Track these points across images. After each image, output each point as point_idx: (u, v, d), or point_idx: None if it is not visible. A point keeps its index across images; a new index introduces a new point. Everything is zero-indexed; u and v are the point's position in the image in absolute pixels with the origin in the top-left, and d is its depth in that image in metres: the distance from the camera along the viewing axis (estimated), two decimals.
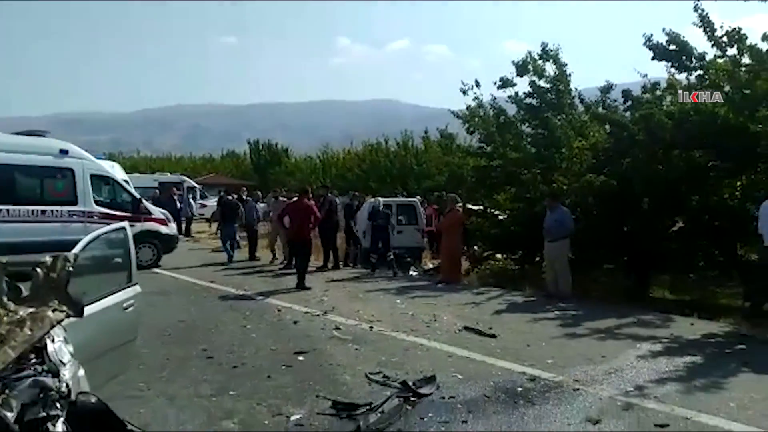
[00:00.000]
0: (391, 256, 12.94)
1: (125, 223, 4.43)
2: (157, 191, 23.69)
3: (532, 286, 10.23)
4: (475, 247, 13.06)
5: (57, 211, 11.01)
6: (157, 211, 13.04)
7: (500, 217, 12.83)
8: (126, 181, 17.50)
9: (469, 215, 13.18)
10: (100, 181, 12.01)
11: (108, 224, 11.42)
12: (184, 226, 21.31)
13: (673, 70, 10.29)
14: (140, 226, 12.24)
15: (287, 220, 11.29)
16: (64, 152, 11.19)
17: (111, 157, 52.35)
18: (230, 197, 14.95)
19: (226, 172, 44.75)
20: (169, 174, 33.93)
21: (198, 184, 33.86)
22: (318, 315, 7.75)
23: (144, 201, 12.56)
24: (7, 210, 10.26)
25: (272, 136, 49.75)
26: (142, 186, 30.47)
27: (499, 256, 13.27)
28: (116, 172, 17.47)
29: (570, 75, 12.60)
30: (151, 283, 10.55)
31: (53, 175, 11.17)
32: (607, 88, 12.34)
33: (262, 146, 43.59)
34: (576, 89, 12.78)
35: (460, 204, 11.67)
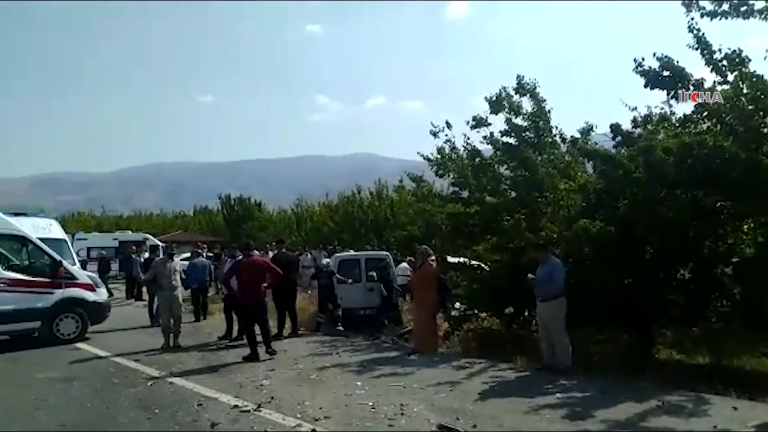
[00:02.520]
0: (339, 312, 12.07)
1: None
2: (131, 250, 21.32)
3: (524, 355, 8.52)
4: (456, 305, 11.40)
5: None
6: (83, 276, 11.20)
7: (481, 270, 11.23)
8: (64, 241, 15.73)
9: (447, 269, 11.59)
10: (12, 241, 10.25)
11: (19, 293, 9.91)
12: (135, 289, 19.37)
13: (665, 98, 9.10)
14: (60, 293, 10.49)
15: (234, 281, 9.55)
16: None
17: (74, 216, 50.27)
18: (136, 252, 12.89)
19: (197, 229, 42.86)
20: (130, 232, 32.10)
21: (164, 242, 32.02)
22: (248, 411, 5.95)
23: (65, 264, 10.70)
24: None
25: (253, 192, 48.37)
26: (100, 246, 28.83)
27: (483, 314, 11.64)
28: (53, 231, 15.71)
29: (550, 111, 11.34)
30: (61, 363, 8.74)
31: None
32: (586, 130, 10.96)
33: (234, 201, 42.02)
34: (557, 127, 11.50)
35: (433, 258, 10.06)
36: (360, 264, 13.50)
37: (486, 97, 11.13)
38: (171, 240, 34.36)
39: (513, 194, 11.08)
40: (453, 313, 11.68)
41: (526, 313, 10.42)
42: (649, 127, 9.55)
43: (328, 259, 13.28)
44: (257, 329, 9.05)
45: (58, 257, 10.63)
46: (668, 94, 9.13)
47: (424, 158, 11.78)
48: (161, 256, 11.16)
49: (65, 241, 15.65)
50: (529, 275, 8.05)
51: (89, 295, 10.92)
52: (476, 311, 11.39)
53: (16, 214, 16.75)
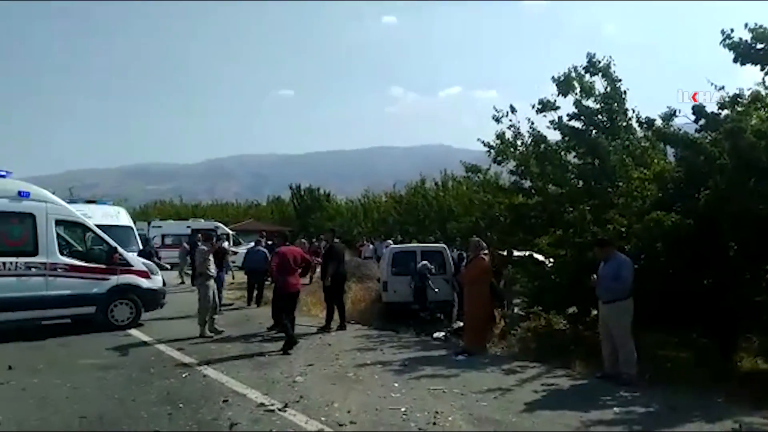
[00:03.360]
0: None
1: None
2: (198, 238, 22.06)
3: (583, 361, 7.70)
4: (517, 302, 10.63)
5: (11, 263, 9.45)
6: (138, 262, 11.30)
7: (544, 265, 10.38)
8: (130, 228, 16.21)
9: (506, 263, 10.83)
10: (69, 227, 10.46)
11: (76, 278, 10.10)
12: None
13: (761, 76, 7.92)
14: (115, 279, 10.61)
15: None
16: (24, 195, 9.73)
17: (155, 204, 52.63)
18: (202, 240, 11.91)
19: (268, 218, 43.77)
20: (202, 221, 33.10)
21: (235, 230, 32.84)
22: (273, 410, 5.58)
23: (120, 250, 10.82)
24: None
25: (327, 183, 49.01)
26: (174, 233, 29.95)
27: (545, 314, 10.78)
28: (121, 218, 16.22)
29: (625, 92, 10.27)
30: (107, 349, 8.78)
31: (8, 220, 9.67)
32: (669, 115, 9.71)
33: (304, 191, 42.57)
34: (634, 110, 10.37)
35: (486, 251, 9.33)
36: (415, 256, 12.95)
37: (553, 77, 10.21)
38: (241, 229, 35.27)
39: (580, 184, 10.18)
40: (512, 310, 10.97)
41: (594, 312, 9.53)
42: (738, 108, 8.36)
43: (425, 262, 12.39)
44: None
45: (114, 244, 10.76)
46: (762, 69, 8.00)
47: (485, 144, 11.01)
48: (201, 243, 11.03)
49: (131, 228, 16.15)
50: (594, 275, 7.21)
51: (143, 282, 11.01)
52: (538, 309, 10.59)
53: (88, 201, 17.58)
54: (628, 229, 8.24)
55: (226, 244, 16.79)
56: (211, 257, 10.26)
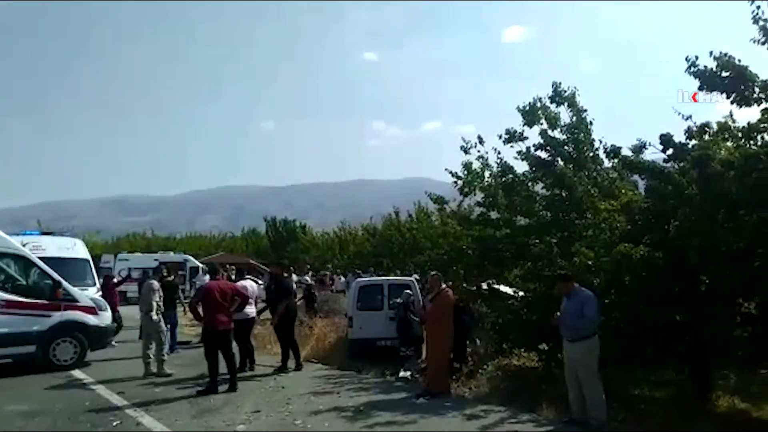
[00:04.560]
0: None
1: None
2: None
3: (552, 404, 7.21)
4: (477, 341, 10.17)
5: None
6: (85, 298, 10.64)
7: (514, 299, 9.97)
8: (86, 261, 15.48)
9: (475, 297, 10.40)
10: (7, 260, 9.80)
11: (14, 315, 9.40)
12: None
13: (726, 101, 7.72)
14: (58, 315, 9.94)
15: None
16: None
17: (128, 237, 51.37)
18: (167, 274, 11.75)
19: (242, 251, 43.02)
20: (172, 253, 32.26)
21: (205, 263, 32.02)
22: None
23: (65, 284, 10.16)
24: None
25: (308, 215, 48.61)
26: (141, 266, 29.00)
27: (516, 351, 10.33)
28: (77, 250, 15.51)
29: (591, 123, 10.06)
30: (41, 392, 8.11)
31: None
32: (639, 147, 9.39)
33: (279, 223, 42.05)
34: (600, 141, 10.12)
35: (444, 286, 8.90)
36: (383, 290, 12.47)
37: (518, 107, 9.97)
38: (213, 261, 34.40)
39: (548, 215, 9.86)
40: (483, 347, 10.50)
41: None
42: (706, 138, 8.16)
43: (408, 291, 11.63)
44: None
45: (58, 278, 10.11)
46: (728, 98, 7.81)
47: (452, 175, 10.67)
48: (150, 277, 10.46)
49: (87, 261, 15.39)
50: (557, 312, 6.81)
51: (90, 319, 10.33)
52: (508, 347, 10.13)
53: (44, 233, 16.86)
54: (596, 261, 7.89)
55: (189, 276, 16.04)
56: (159, 291, 9.68)
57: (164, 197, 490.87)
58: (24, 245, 11.19)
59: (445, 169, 11.12)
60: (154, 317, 9.49)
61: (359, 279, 14.32)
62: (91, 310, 10.44)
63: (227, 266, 16.66)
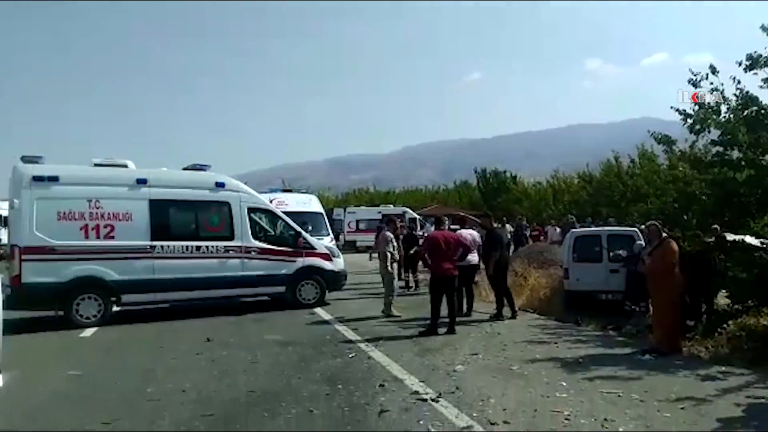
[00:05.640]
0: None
1: None
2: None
3: None
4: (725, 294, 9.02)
5: (213, 246, 10.67)
6: (321, 246, 12.05)
7: (759, 251, 8.63)
8: (321, 214, 17.40)
9: (715, 248, 9.26)
10: (259, 214, 11.47)
11: (267, 260, 11.10)
12: None
13: None
14: (301, 261, 11.47)
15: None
16: (220, 185, 10.91)
17: (354, 192, 56.15)
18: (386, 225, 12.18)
19: (454, 203, 44.02)
20: (392, 206, 34.53)
21: (422, 215, 33.68)
22: (425, 400, 5.43)
23: (305, 234, 11.66)
24: (162, 246, 10.17)
25: (520, 166, 47.92)
26: (367, 218, 31.89)
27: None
28: (312, 205, 17.47)
29: None
30: (291, 326, 9.52)
31: (208, 209, 10.92)
32: None
33: (489, 174, 41.92)
34: None
35: (666, 235, 8.02)
36: (601, 241, 11.81)
37: (763, 26, 8.38)
38: (427, 213, 35.96)
39: None
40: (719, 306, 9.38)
41: None
42: None
43: (641, 242, 10.76)
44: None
45: (298, 229, 11.62)
46: None
47: (679, 112, 9.47)
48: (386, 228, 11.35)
49: (322, 214, 17.35)
50: None
51: (326, 264, 11.75)
52: (754, 303, 8.88)
53: (285, 191, 19.35)
54: None
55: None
56: (393, 242, 10.63)
57: (380, 155, 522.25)
58: (270, 201, 13.07)
59: (671, 107, 9.89)
60: (394, 266, 10.47)
61: (574, 230, 13.72)
62: (327, 257, 11.84)
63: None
